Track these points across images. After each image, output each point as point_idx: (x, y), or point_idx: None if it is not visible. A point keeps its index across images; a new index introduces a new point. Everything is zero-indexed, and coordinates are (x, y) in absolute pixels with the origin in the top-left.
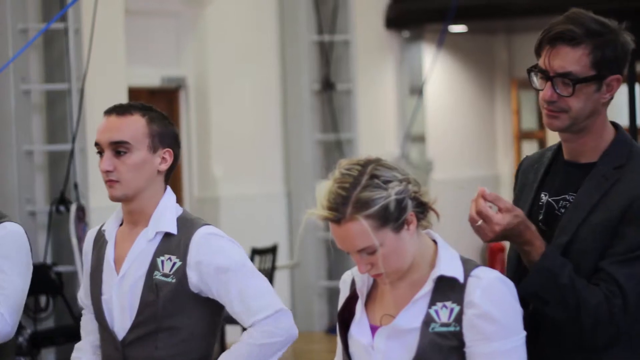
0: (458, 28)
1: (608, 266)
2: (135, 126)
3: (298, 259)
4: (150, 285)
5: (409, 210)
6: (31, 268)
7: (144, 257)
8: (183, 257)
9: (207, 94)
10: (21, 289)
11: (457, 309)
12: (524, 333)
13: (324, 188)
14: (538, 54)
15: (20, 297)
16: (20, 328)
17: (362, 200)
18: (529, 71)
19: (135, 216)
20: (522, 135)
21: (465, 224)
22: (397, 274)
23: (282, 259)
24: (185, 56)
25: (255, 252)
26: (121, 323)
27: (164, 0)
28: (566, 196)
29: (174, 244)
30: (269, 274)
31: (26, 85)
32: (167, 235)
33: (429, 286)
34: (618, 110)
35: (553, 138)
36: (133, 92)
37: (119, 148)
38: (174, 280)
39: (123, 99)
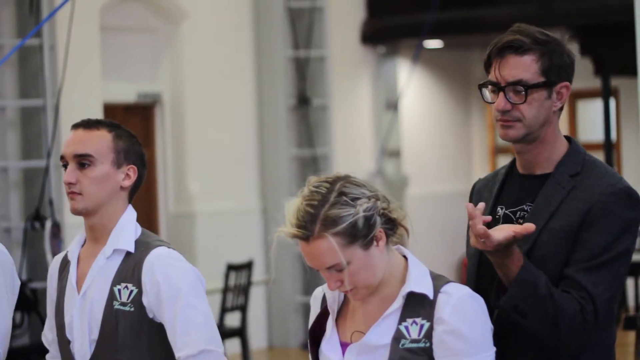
0: (433, 43)
1: (575, 273)
2: (100, 140)
3: (274, 274)
4: (111, 315)
5: (377, 226)
6: (17, 289)
7: (102, 280)
8: (137, 283)
9: (183, 109)
10: (9, 315)
11: (427, 325)
12: (494, 349)
13: (293, 206)
14: (487, 69)
15: (7, 324)
16: None
17: (330, 218)
18: (480, 87)
19: (96, 232)
20: (498, 150)
21: (439, 238)
22: (367, 290)
23: (257, 274)
24: (161, 72)
25: (230, 268)
26: (81, 348)
27: (139, 16)
28: (524, 206)
29: (129, 270)
30: (245, 290)
31: (1, 101)
32: (127, 256)
33: (398, 302)
34: (593, 126)
35: None
36: (108, 108)
37: (82, 160)
38: (132, 309)
39: (98, 115)
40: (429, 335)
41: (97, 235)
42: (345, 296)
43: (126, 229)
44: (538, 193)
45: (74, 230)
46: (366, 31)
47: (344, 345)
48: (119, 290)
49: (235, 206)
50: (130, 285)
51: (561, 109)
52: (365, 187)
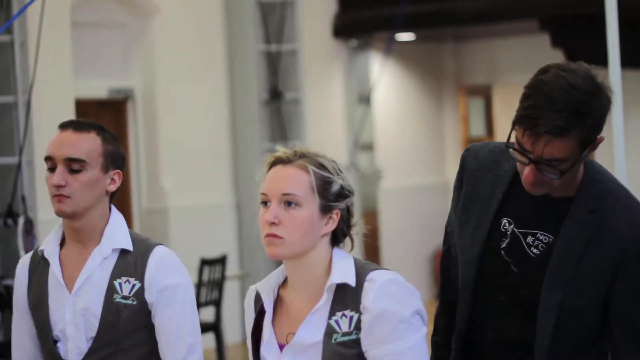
0: (405, 36)
1: (625, 329)
2: (91, 144)
3: (247, 268)
4: (111, 308)
5: (341, 205)
6: None
7: (99, 277)
8: (141, 278)
9: (155, 105)
10: None
11: (356, 316)
12: (424, 330)
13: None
14: (514, 125)
15: None
16: None
17: (318, 162)
18: (507, 147)
19: (82, 235)
20: (471, 142)
21: (413, 231)
22: (291, 248)
23: (231, 268)
24: (132, 67)
25: (204, 263)
26: (76, 346)
27: (110, 11)
28: (538, 234)
29: (131, 265)
30: (219, 284)
31: None
32: (122, 254)
33: (325, 297)
34: None
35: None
36: (80, 104)
37: (73, 165)
38: (135, 302)
39: (70, 111)
40: (358, 327)
41: (82, 237)
42: (278, 294)
43: (120, 230)
44: (553, 223)
45: (47, 226)
46: (338, 24)
47: (281, 347)
48: (120, 284)
49: (208, 201)
50: (132, 280)
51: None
52: (349, 180)
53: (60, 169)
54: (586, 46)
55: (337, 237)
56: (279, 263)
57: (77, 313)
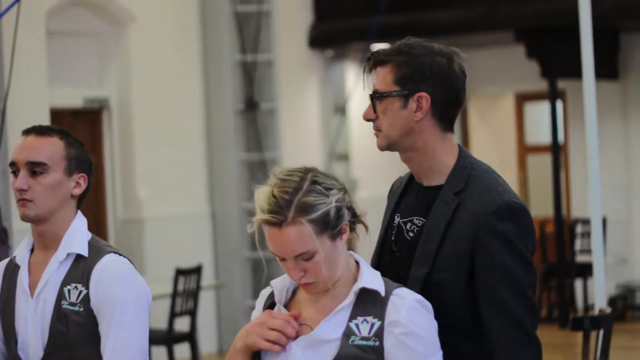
0: (381, 47)
1: (487, 295)
2: (53, 148)
3: (223, 278)
4: (59, 314)
5: (345, 219)
6: None
7: (53, 283)
8: (87, 285)
9: (130, 114)
10: None
11: (378, 324)
12: (441, 352)
13: (263, 193)
14: None
15: None
16: None
17: (306, 204)
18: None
19: (47, 239)
20: None
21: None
22: (325, 285)
23: (207, 278)
24: (108, 77)
25: (179, 273)
26: (33, 352)
27: (86, 20)
28: (414, 219)
29: (80, 271)
30: (194, 294)
31: None
32: (77, 259)
33: (350, 299)
34: (540, 128)
35: (478, 155)
36: (55, 113)
37: (35, 168)
38: (81, 309)
39: (45, 120)
40: (379, 335)
41: (47, 242)
42: (293, 292)
43: (78, 234)
44: (426, 206)
45: (22, 236)
46: (314, 35)
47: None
48: (69, 291)
49: (184, 211)
50: (79, 286)
51: (444, 120)
52: (335, 180)
53: (23, 172)
54: (561, 57)
55: (351, 233)
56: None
57: (35, 318)
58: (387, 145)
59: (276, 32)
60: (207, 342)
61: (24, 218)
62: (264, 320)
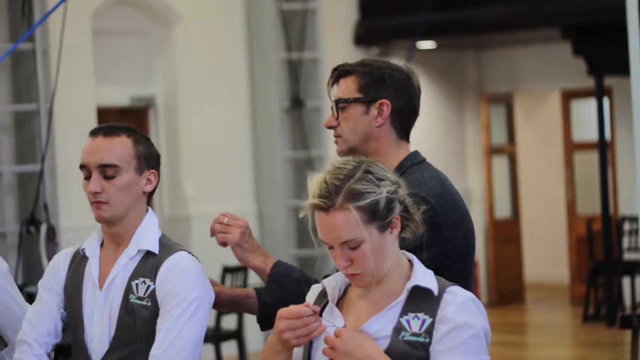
0: (426, 44)
1: None
2: (122, 148)
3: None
4: (127, 308)
5: (396, 212)
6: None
7: (122, 277)
8: (154, 280)
9: (177, 112)
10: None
11: (429, 320)
12: (488, 358)
13: (317, 179)
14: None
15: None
16: None
17: (355, 191)
18: (331, 107)
19: (119, 237)
20: (492, 151)
21: None
22: (372, 278)
23: (253, 276)
24: (154, 75)
25: (226, 271)
26: (99, 343)
27: (132, 19)
28: None
29: (149, 266)
30: None
31: None
32: (147, 255)
33: (403, 295)
34: (587, 125)
35: (523, 153)
36: (102, 112)
37: (107, 170)
38: (148, 304)
39: (92, 119)
40: (429, 332)
41: (119, 240)
42: (345, 290)
43: (150, 231)
44: None
45: (69, 234)
46: (359, 32)
47: None
48: (137, 285)
49: (230, 208)
50: (147, 281)
51: (401, 128)
52: (390, 172)
53: (95, 176)
54: (608, 54)
55: (404, 230)
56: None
57: (103, 311)
58: (348, 150)
59: (321, 29)
60: (254, 340)
61: (100, 219)
62: (278, 323)
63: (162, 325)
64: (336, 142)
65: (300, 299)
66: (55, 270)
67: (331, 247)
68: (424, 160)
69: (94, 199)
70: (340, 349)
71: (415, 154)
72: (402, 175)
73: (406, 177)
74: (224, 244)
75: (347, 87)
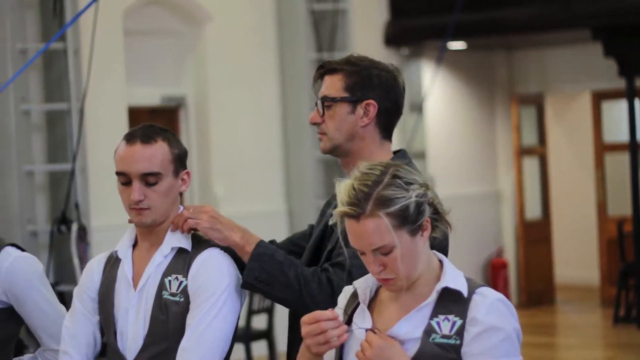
0: (457, 45)
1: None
2: (162, 154)
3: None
4: (160, 304)
5: (426, 215)
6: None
7: (156, 275)
8: (187, 276)
9: (207, 112)
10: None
11: (459, 322)
12: (521, 358)
13: (345, 185)
14: None
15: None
16: (23, 348)
17: (384, 197)
18: (316, 104)
19: (153, 237)
20: (523, 151)
21: (464, 240)
22: (406, 280)
23: None
24: (185, 75)
25: None
26: (133, 342)
27: (163, 19)
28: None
29: (181, 263)
30: None
31: (26, 105)
32: (180, 252)
33: (432, 297)
34: (618, 126)
35: (554, 154)
36: (133, 112)
37: (149, 178)
38: (181, 299)
39: (123, 119)
40: (460, 333)
41: (153, 240)
42: (376, 291)
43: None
44: None
45: (100, 233)
46: (390, 33)
47: None
48: (169, 282)
49: (260, 208)
50: (180, 277)
51: (385, 127)
52: (418, 175)
53: (137, 184)
54: (639, 55)
55: (435, 230)
56: None
57: (138, 310)
58: (331, 149)
59: (352, 30)
60: (284, 340)
61: (141, 225)
62: (303, 330)
63: (192, 320)
64: (320, 139)
65: (283, 280)
66: (90, 276)
67: (363, 253)
68: (411, 160)
69: (136, 205)
70: (371, 358)
71: (404, 153)
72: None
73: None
74: (193, 230)
75: (334, 85)
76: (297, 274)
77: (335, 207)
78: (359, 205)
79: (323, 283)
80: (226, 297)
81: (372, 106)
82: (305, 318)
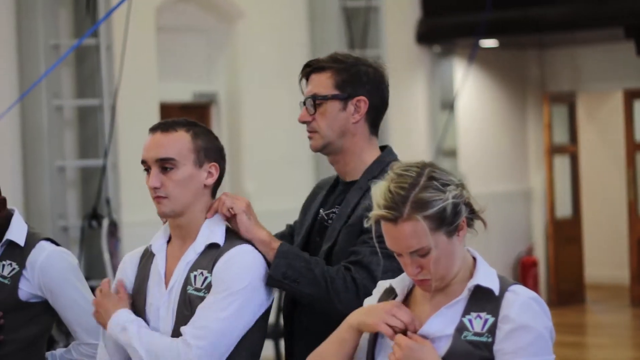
0: (489, 43)
1: (357, 245)
2: (180, 142)
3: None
4: (185, 300)
5: (462, 215)
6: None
7: (184, 271)
8: (211, 271)
9: (239, 109)
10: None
11: (491, 320)
12: (554, 357)
13: (381, 188)
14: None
15: None
16: (54, 342)
17: (422, 200)
18: (304, 102)
19: (183, 231)
20: (554, 150)
21: (495, 238)
22: (443, 281)
23: None
24: (216, 72)
25: None
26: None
27: (195, 16)
28: (334, 209)
29: (208, 258)
30: None
31: (58, 101)
32: (210, 248)
33: (464, 294)
34: None
35: (585, 153)
36: (165, 108)
37: (165, 164)
38: (205, 295)
39: (155, 115)
40: (492, 331)
41: (184, 234)
42: (411, 289)
43: (219, 226)
44: (345, 196)
45: (131, 229)
46: (422, 30)
47: None
48: (195, 276)
49: (291, 206)
50: (205, 272)
51: (373, 123)
52: (452, 175)
53: (154, 171)
54: None
55: (470, 229)
56: None
57: (169, 307)
58: (323, 146)
59: (384, 27)
60: None
61: (161, 214)
62: (390, 308)
63: (200, 309)
64: (310, 138)
65: (309, 277)
66: (124, 271)
67: (400, 255)
68: (397, 157)
69: (154, 194)
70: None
71: (390, 149)
72: (384, 169)
73: (386, 162)
74: (229, 214)
75: (323, 83)
76: (323, 271)
77: (327, 203)
78: (397, 208)
79: (348, 281)
80: (244, 295)
81: (363, 102)
82: (408, 312)
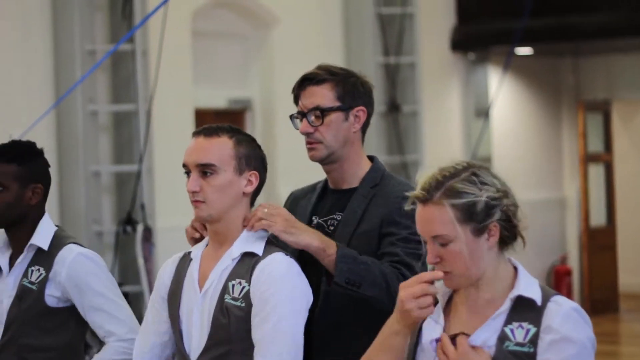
0: (524, 50)
1: (387, 247)
2: (222, 148)
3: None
4: (222, 308)
5: (494, 218)
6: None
7: (221, 278)
8: (249, 280)
9: (274, 115)
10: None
11: (533, 330)
12: None
13: (427, 174)
14: (296, 103)
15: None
16: (87, 347)
17: (454, 189)
18: (291, 117)
19: (220, 236)
20: (589, 158)
21: (529, 246)
22: (461, 280)
23: None
24: (251, 78)
25: None
26: (198, 342)
27: (231, 22)
28: (334, 216)
29: (246, 267)
30: None
31: (94, 106)
32: (247, 256)
33: (506, 305)
34: None
35: (620, 161)
36: (199, 114)
37: (205, 169)
38: (242, 304)
39: (190, 120)
40: (534, 341)
41: (221, 239)
42: (452, 294)
43: (257, 234)
44: (346, 204)
45: (166, 234)
46: (456, 38)
47: None
48: (233, 285)
49: None
50: (243, 282)
51: (364, 131)
52: (500, 181)
53: (194, 175)
54: None
55: (505, 242)
56: None
57: (203, 311)
58: (327, 156)
59: (419, 34)
60: None
61: (198, 219)
62: (404, 295)
63: (257, 334)
64: (313, 148)
65: (370, 279)
66: (161, 275)
67: (426, 241)
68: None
69: (193, 198)
70: None
71: (377, 159)
72: (384, 176)
73: (393, 178)
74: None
75: (325, 95)
76: (381, 271)
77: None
78: (430, 191)
79: (400, 279)
80: (288, 306)
81: (362, 112)
82: (406, 282)
